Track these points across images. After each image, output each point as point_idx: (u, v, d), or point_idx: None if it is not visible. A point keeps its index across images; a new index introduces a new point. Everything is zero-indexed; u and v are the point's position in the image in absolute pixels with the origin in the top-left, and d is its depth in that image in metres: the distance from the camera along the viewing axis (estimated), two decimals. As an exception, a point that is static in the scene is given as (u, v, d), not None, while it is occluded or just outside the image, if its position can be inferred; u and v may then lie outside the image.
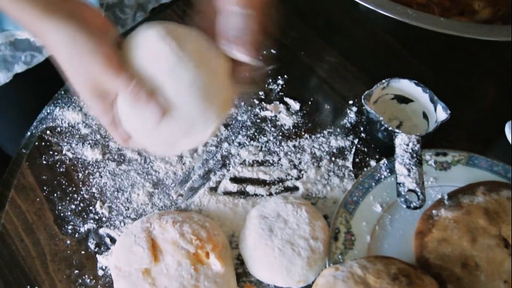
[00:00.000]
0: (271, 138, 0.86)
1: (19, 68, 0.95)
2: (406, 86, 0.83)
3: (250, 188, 0.81)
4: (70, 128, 0.87)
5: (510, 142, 0.80)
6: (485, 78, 0.95)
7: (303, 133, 0.86)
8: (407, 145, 0.76)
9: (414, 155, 0.76)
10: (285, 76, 0.92)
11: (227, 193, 0.81)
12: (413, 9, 0.81)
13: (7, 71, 0.94)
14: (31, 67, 0.96)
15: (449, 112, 0.78)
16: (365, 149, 0.85)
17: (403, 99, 0.85)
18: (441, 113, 0.79)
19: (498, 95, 0.95)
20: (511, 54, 0.96)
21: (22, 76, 0.96)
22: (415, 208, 0.72)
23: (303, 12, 1.02)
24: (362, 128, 0.86)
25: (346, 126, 0.87)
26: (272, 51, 0.95)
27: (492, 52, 0.96)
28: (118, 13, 1.04)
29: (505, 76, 0.95)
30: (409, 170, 0.74)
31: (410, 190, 0.73)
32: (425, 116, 0.84)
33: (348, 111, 0.89)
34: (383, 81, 0.82)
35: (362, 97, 0.80)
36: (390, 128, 0.78)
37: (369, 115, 0.81)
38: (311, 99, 0.90)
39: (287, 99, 0.90)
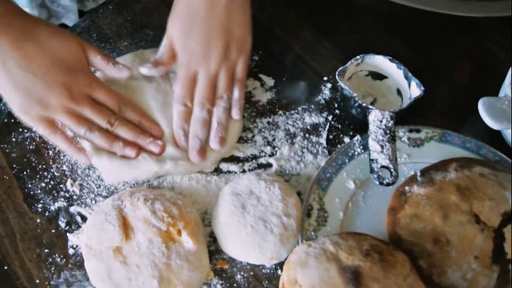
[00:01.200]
0: (245, 114, 0.85)
1: None
2: (380, 62, 0.83)
3: (223, 165, 0.80)
4: (40, 104, 0.85)
5: (483, 118, 0.81)
6: (460, 55, 0.95)
7: (277, 110, 0.85)
8: (381, 121, 0.76)
9: (388, 131, 0.76)
10: (260, 52, 0.91)
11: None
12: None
13: None
14: None
15: (423, 88, 0.78)
16: (339, 126, 0.84)
17: (378, 76, 0.84)
18: (415, 90, 0.79)
19: (473, 72, 0.95)
20: (486, 31, 0.96)
21: None
22: (388, 184, 0.72)
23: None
24: (336, 105, 0.86)
25: (321, 102, 0.86)
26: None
27: (466, 29, 0.96)
28: None
29: (479, 53, 0.95)
30: (382, 147, 0.74)
31: (383, 167, 0.73)
32: (399, 93, 0.83)
33: (323, 88, 0.88)
34: (358, 57, 0.82)
35: (336, 73, 0.79)
36: (364, 105, 0.78)
37: (343, 91, 0.80)
38: (286, 75, 0.89)
39: (261, 75, 0.89)
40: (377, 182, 0.72)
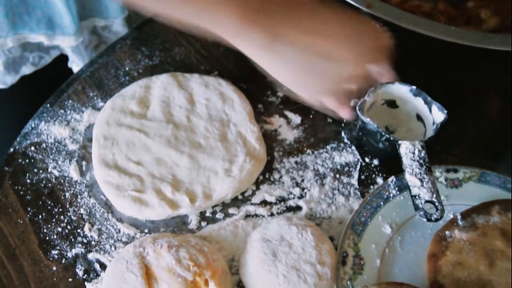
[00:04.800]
0: (275, 154, 0.81)
1: (27, 69, 0.94)
2: (396, 89, 0.77)
3: (250, 209, 0.76)
4: (56, 144, 0.81)
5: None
6: (491, 89, 0.91)
7: (305, 149, 0.81)
8: (413, 153, 0.71)
9: (422, 162, 0.71)
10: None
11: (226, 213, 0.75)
12: (421, 18, 0.76)
13: (15, 73, 0.93)
14: (38, 68, 0.95)
15: (445, 111, 0.73)
16: (371, 165, 0.80)
17: (393, 103, 0.80)
18: (437, 114, 0.74)
19: (505, 108, 0.90)
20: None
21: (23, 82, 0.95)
22: (436, 220, 0.67)
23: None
24: (360, 139, 0.81)
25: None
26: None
27: (497, 62, 0.92)
28: None
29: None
30: (421, 180, 0.70)
31: (427, 201, 0.68)
32: (419, 118, 0.78)
33: (352, 124, 0.83)
34: (373, 88, 0.75)
35: (357, 107, 0.74)
36: (392, 138, 0.73)
37: (366, 126, 0.76)
38: (313, 112, 0.85)
39: (287, 112, 0.85)
40: (425, 219, 0.67)
